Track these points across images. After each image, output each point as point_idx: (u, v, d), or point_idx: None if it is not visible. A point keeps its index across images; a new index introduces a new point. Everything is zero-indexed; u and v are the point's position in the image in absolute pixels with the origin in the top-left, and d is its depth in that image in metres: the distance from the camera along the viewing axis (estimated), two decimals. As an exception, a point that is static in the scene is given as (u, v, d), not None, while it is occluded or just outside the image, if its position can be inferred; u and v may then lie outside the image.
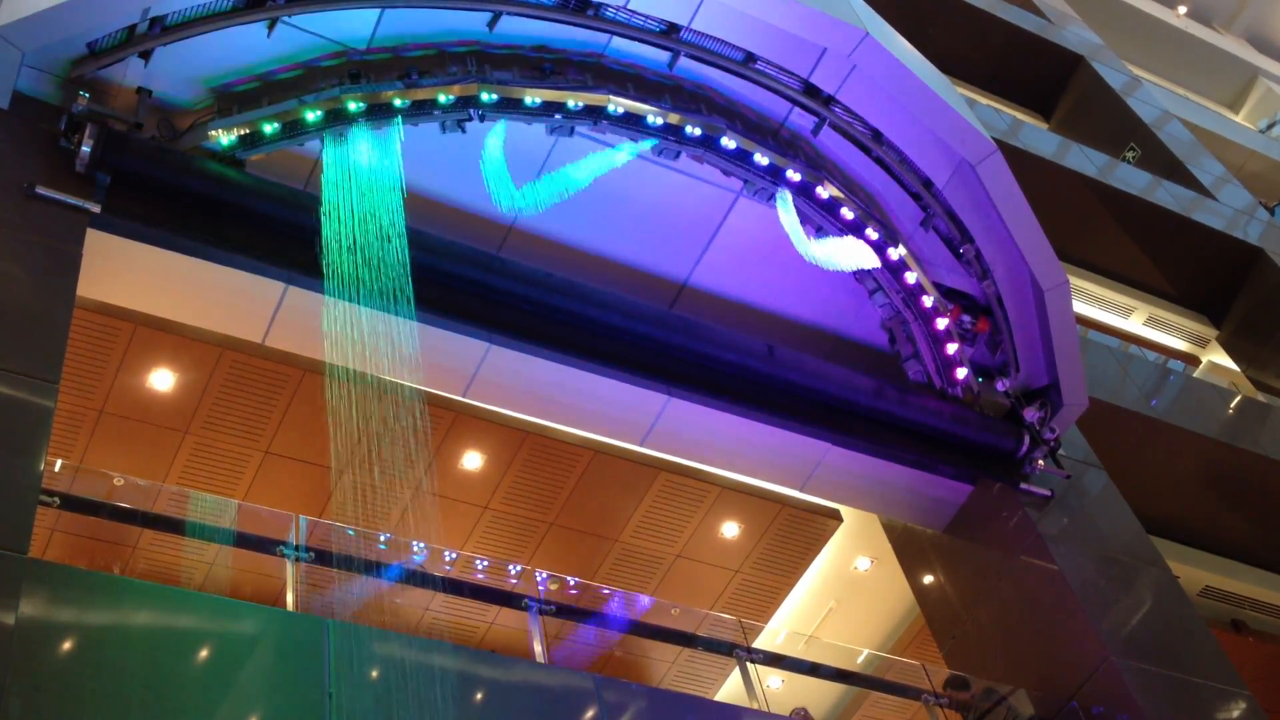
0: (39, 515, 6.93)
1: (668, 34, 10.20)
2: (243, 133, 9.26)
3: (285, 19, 9.27)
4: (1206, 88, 28.43)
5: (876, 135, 10.88)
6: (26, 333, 7.55)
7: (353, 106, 9.41)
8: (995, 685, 10.34)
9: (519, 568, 11.36)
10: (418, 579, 9.74)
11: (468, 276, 9.89)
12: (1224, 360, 18.77)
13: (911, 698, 10.39)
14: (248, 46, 9.32)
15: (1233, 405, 15.66)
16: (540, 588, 9.70)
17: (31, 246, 8.02)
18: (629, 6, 9.97)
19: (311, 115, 9.35)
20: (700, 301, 11.41)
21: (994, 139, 11.70)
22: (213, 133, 9.19)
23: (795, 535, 13.13)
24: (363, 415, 8.80)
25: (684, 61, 10.37)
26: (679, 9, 10.05)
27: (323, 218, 9.01)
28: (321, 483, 12.02)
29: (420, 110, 9.67)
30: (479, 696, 7.75)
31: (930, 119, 10.59)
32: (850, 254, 10.89)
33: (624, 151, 10.46)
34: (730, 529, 13.01)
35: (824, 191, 10.82)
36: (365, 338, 8.98)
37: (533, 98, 9.91)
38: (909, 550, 12.09)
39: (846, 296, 11.67)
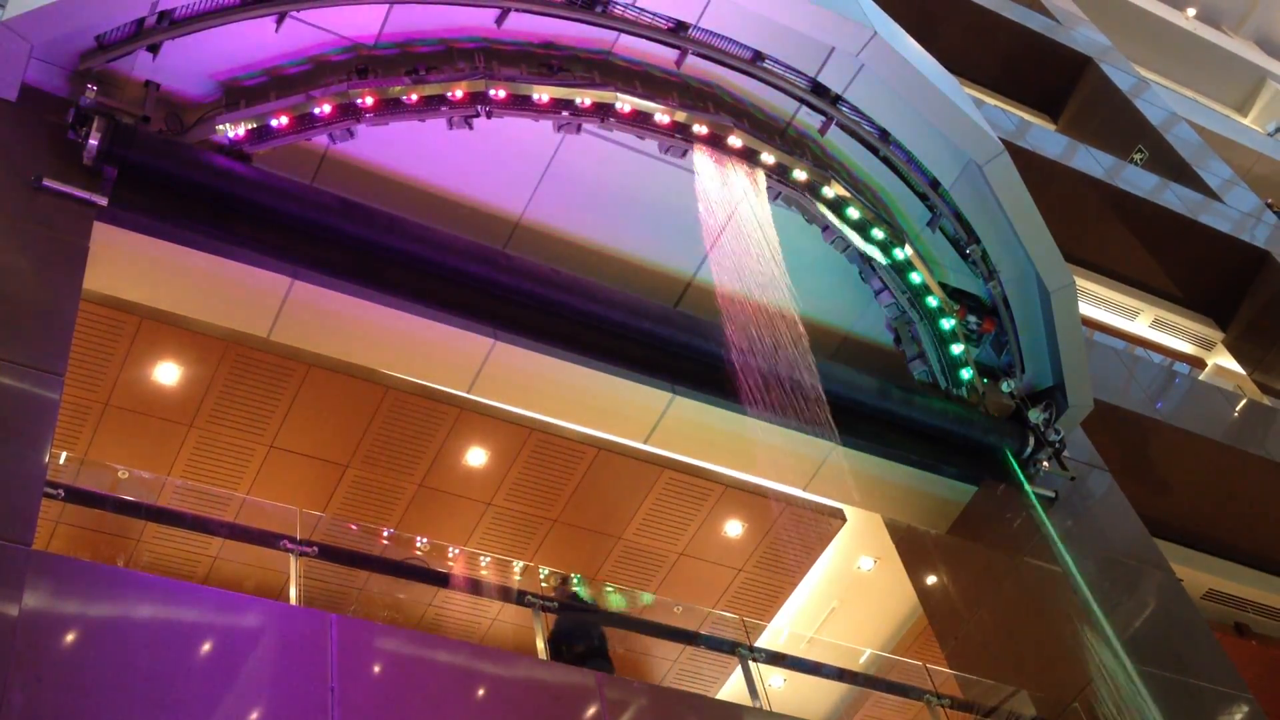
0: (43, 507, 6.95)
1: (675, 32, 10.19)
2: (250, 127, 9.26)
3: (294, 14, 9.27)
4: (1215, 90, 28.33)
5: (884, 135, 10.87)
6: (33, 325, 7.56)
7: (360, 102, 9.41)
8: (998, 685, 10.34)
9: (522, 564, 11.37)
10: (421, 575, 9.76)
11: (473, 272, 9.89)
12: (1230, 363, 18.71)
13: (914, 698, 10.38)
14: (256, 41, 9.33)
15: (1238, 408, 15.62)
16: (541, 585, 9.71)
17: (38, 239, 8.03)
18: (637, 4, 9.95)
19: (319, 110, 9.36)
20: (706, 298, 11.39)
21: (1001, 139, 11.69)
22: (220, 126, 9.19)
23: (799, 534, 13.12)
24: None
25: (692, 60, 10.35)
26: (687, 7, 10.04)
27: None
28: (325, 477, 12.03)
29: (428, 106, 9.66)
30: (481, 692, 7.75)
31: (938, 119, 10.57)
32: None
33: None
34: (734, 527, 13.01)
35: (830, 191, 10.81)
36: None
37: (540, 94, 9.90)
38: (912, 550, 12.07)
39: (852, 295, 11.66)
